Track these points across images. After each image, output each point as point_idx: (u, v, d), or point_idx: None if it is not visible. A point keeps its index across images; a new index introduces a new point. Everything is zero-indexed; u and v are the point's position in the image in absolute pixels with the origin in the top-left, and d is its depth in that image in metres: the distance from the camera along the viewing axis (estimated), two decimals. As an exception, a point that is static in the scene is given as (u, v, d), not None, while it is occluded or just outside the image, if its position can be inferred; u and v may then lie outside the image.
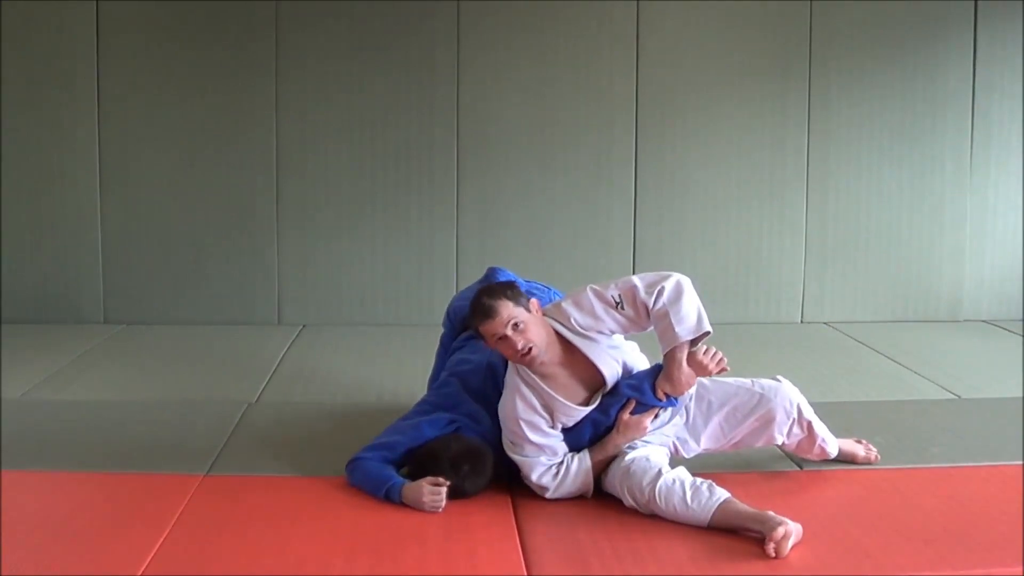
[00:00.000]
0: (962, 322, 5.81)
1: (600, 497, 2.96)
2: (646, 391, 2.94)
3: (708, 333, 2.92)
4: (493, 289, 2.96)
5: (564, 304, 3.00)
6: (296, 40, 5.52)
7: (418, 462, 2.99)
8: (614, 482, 2.92)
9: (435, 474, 2.89)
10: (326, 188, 5.62)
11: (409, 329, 5.41)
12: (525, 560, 2.56)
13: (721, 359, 2.91)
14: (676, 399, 2.98)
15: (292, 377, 4.51)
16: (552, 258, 5.63)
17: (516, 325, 2.85)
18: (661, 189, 5.70)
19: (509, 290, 2.94)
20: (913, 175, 5.77)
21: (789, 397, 3.08)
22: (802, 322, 5.80)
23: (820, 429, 3.16)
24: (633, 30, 5.61)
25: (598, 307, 2.95)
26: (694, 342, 2.92)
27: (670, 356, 2.91)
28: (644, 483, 2.82)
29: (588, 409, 2.98)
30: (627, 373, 3.04)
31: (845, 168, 5.73)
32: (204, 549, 2.61)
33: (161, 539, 2.64)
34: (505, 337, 2.86)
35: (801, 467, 3.22)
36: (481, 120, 5.62)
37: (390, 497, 2.88)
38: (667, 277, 2.93)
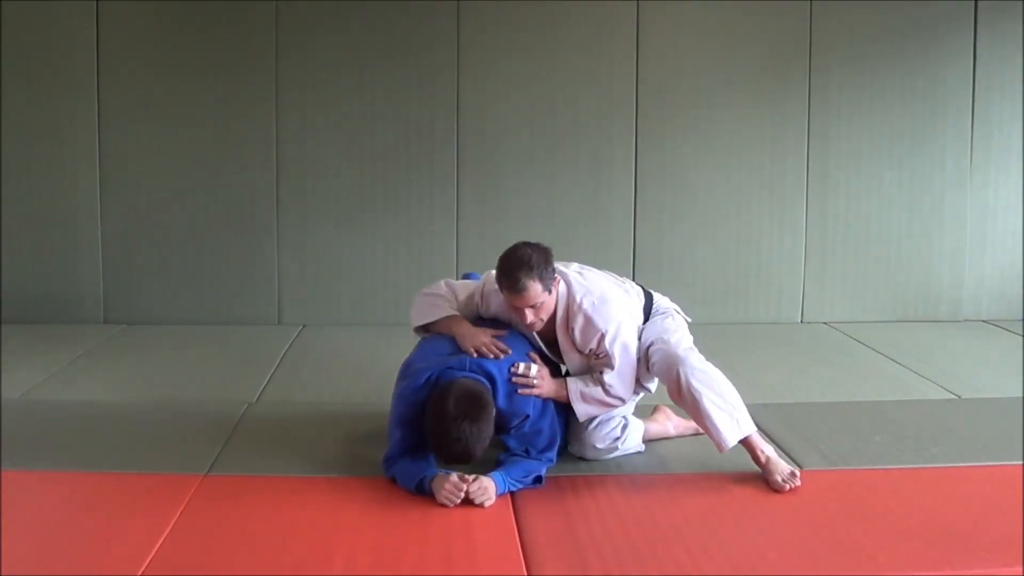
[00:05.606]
0: (962, 322, 5.81)
1: (600, 497, 2.97)
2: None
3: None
4: (528, 264, 3.02)
5: (591, 298, 3.14)
6: (296, 39, 5.52)
7: (428, 418, 2.91)
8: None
9: (443, 420, 2.82)
10: (326, 188, 5.62)
11: (409, 329, 5.38)
12: (525, 560, 2.56)
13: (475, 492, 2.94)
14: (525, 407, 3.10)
15: (292, 377, 4.51)
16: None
17: (534, 306, 3.05)
18: (661, 189, 5.69)
19: (541, 267, 3.04)
20: (913, 175, 5.76)
21: None
22: (802, 322, 5.80)
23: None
24: (633, 30, 5.61)
25: (596, 334, 3.10)
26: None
27: (565, 385, 3.16)
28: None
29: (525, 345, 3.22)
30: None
31: (845, 168, 5.73)
32: (204, 549, 2.61)
33: (161, 539, 2.64)
34: (520, 310, 3.06)
35: (801, 467, 3.22)
36: (481, 120, 5.62)
37: (422, 489, 2.92)
38: (615, 407, 3.19)
